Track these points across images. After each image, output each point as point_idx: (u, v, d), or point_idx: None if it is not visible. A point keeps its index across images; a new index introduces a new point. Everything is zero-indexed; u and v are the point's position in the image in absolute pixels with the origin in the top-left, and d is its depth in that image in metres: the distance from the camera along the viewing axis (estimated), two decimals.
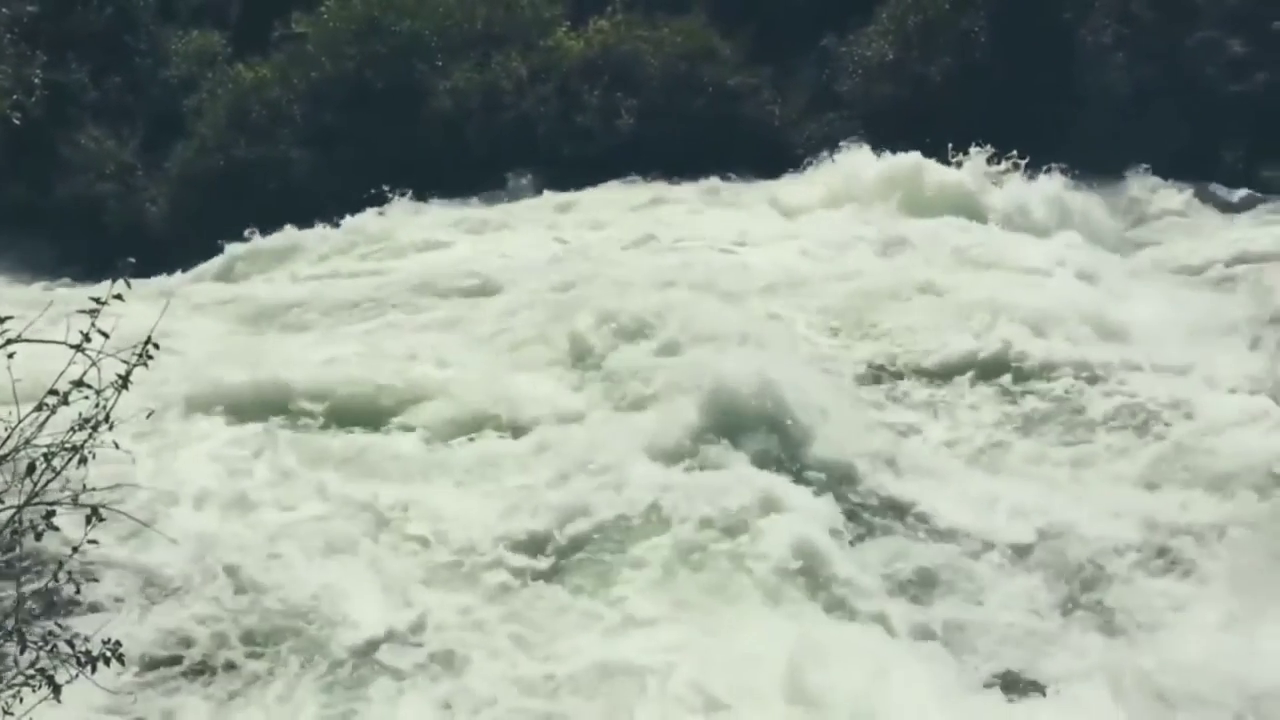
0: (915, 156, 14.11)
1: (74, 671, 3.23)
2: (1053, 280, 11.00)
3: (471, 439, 8.00)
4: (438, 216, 14.59)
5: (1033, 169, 14.65)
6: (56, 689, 3.26)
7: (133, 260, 15.91)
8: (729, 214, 14.16)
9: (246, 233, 14.38)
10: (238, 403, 8.26)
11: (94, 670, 3.24)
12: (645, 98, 16.90)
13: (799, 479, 7.26)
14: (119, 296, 3.39)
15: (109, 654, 3.29)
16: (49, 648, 3.22)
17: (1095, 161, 15.62)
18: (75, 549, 3.34)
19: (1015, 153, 14.31)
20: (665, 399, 8.23)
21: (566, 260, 12.26)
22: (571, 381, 8.95)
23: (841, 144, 15.55)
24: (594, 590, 6.30)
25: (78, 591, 3.52)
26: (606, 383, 8.84)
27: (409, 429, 8.13)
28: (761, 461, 7.36)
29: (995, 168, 14.34)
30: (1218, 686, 5.45)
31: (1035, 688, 5.69)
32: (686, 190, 14.98)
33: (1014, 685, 5.71)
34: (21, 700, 3.27)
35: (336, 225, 14.54)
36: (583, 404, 8.50)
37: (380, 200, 15.08)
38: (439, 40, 17.35)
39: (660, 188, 15.09)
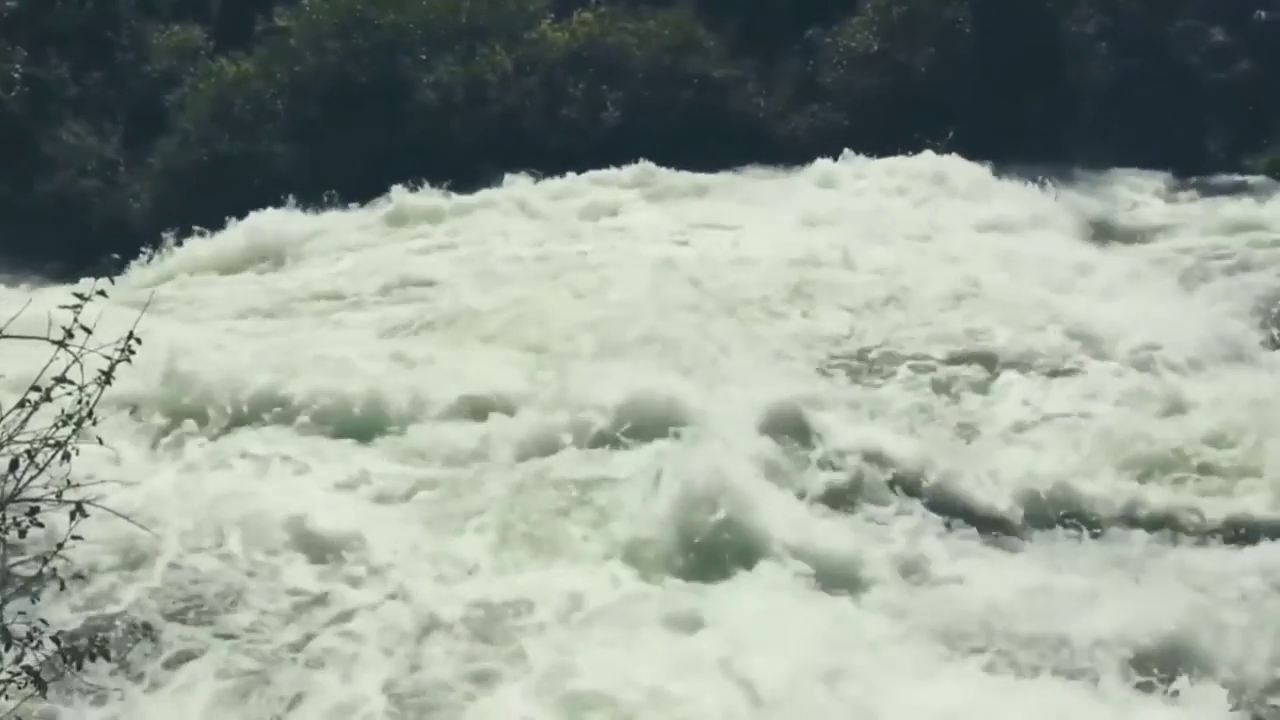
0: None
1: (60, 668, 3.22)
2: (984, 271, 11.05)
3: (356, 430, 8.16)
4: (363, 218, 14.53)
5: (1016, 159, 14.74)
6: (42, 686, 3.25)
7: (116, 256, 15.66)
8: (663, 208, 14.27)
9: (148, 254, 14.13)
10: (142, 395, 8.21)
11: (80, 667, 3.24)
12: (630, 90, 16.88)
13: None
14: (102, 293, 3.39)
15: (96, 650, 3.29)
16: (34, 644, 3.21)
17: (1077, 150, 15.73)
18: (60, 545, 3.34)
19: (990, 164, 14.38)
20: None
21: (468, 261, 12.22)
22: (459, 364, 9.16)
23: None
24: (462, 544, 6.62)
25: (63, 588, 3.51)
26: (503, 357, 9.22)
27: (306, 422, 8.20)
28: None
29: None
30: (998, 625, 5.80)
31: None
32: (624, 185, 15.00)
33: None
34: (7, 698, 3.26)
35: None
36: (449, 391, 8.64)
37: (364, 195, 15.02)
38: (422, 33, 17.28)
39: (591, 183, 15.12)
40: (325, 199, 14.89)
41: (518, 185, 14.94)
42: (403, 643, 5.77)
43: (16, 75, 16.28)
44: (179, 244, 14.09)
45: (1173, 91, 16.39)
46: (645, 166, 15.10)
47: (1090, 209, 14.26)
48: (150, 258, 14.08)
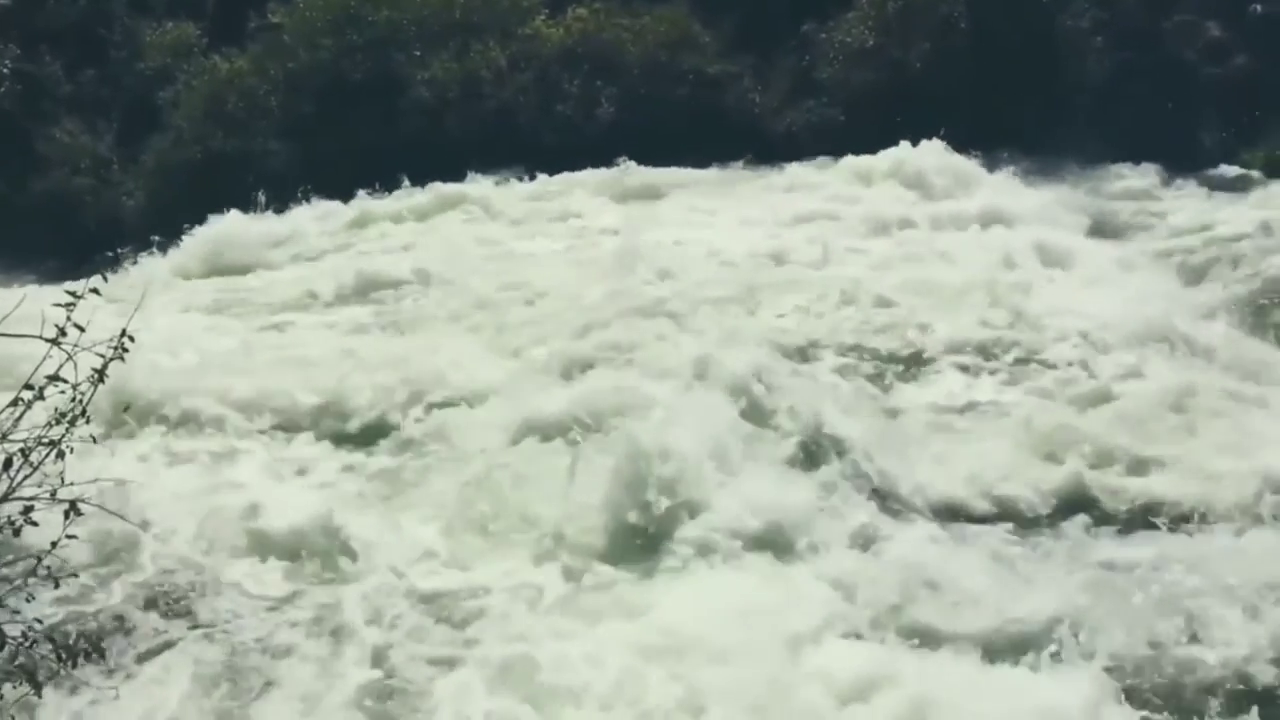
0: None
1: (54, 667, 3.21)
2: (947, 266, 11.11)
3: (314, 426, 8.39)
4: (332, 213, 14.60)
5: (1012, 153, 14.72)
6: (37, 686, 3.24)
7: (110, 254, 15.56)
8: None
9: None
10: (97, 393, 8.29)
11: (74, 665, 3.23)
12: (626, 87, 16.85)
13: None
14: (96, 291, 3.38)
15: (89, 649, 3.28)
16: (28, 644, 3.20)
17: (1073, 145, 15.71)
18: (54, 544, 3.32)
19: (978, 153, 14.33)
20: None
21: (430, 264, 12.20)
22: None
23: None
24: (421, 536, 6.88)
25: (56, 586, 3.49)
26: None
27: (265, 418, 8.42)
28: None
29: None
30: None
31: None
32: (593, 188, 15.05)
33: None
34: (2, 696, 3.25)
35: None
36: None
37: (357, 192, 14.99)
38: (416, 30, 17.25)
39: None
40: (299, 195, 14.88)
41: (483, 185, 14.95)
42: (366, 632, 5.94)
43: (8, 72, 16.22)
44: (134, 262, 13.95)
45: (1169, 86, 16.37)
46: (625, 165, 15.06)
47: (1079, 203, 14.23)
48: (114, 270, 13.97)
